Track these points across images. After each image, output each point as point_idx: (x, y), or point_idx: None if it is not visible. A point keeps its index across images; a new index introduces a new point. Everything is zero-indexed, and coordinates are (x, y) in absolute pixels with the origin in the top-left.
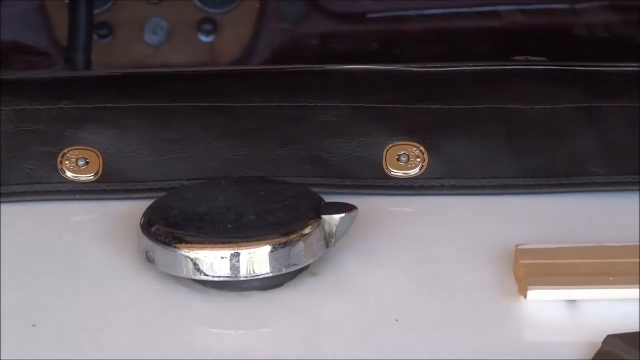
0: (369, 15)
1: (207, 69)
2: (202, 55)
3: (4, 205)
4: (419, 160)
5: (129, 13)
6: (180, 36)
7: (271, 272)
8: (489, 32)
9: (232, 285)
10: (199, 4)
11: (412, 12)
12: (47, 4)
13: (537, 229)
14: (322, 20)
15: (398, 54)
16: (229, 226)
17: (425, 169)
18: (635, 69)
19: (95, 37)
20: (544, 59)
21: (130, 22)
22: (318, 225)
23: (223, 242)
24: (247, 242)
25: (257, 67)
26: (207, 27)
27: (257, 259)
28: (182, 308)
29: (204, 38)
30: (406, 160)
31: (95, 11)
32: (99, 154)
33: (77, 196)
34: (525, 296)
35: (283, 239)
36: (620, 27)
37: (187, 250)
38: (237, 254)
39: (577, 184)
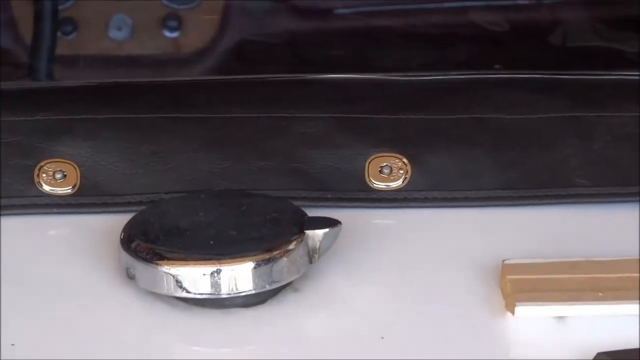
0: (337, 12)
1: (186, 79)
2: (167, 52)
3: None
4: (402, 172)
5: (94, 9)
6: (145, 32)
7: (254, 289)
8: (462, 29)
9: (214, 303)
10: (164, 0)
11: (381, 9)
12: (15, 14)
13: (522, 242)
14: (288, 16)
15: (368, 52)
16: (211, 242)
17: (409, 181)
18: (622, 77)
19: (59, 33)
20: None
21: (95, 19)
22: (302, 241)
23: (205, 259)
24: (230, 258)
25: (237, 77)
26: (172, 23)
27: (239, 276)
28: (163, 326)
29: (169, 34)
30: (389, 172)
31: (60, 7)
32: (76, 167)
33: (55, 210)
34: (513, 312)
35: (266, 256)
36: (604, 33)
37: (168, 267)
38: (220, 271)
39: (562, 196)
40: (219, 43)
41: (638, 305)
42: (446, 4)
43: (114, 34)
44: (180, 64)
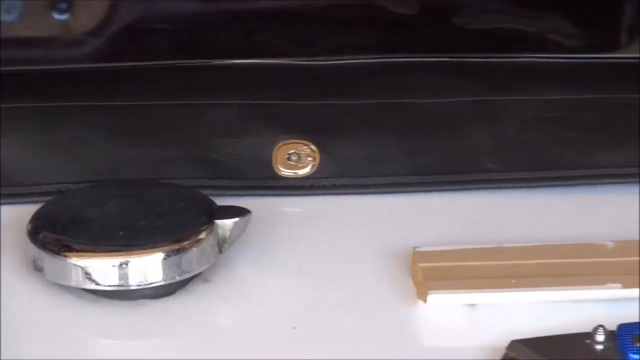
0: None
1: (93, 65)
2: (56, 34)
3: None
4: (310, 159)
5: None
6: (35, 15)
7: (164, 280)
8: (368, 11)
9: (123, 294)
10: None
11: None
12: None
13: (433, 229)
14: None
15: (271, 36)
16: (120, 233)
17: (317, 168)
18: (533, 59)
19: None
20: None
21: None
22: (211, 231)
23: (114, 250)
24: (139, 249)
25: (144, 64)
26: (62, 5)
27: (149, 267)
28: (72, 319)
29: (58, 16)
30: (297, 159)
31: None
32: None
33: None
34: (425, 301)
35: (176, 246)
36: (516, 15)
37: (76, 259)
38: (129, 263)
39: (473, 181)
40: (109, 26)
41: (551, 292)
42: None
43: (3, 16)
44: (70, 46)
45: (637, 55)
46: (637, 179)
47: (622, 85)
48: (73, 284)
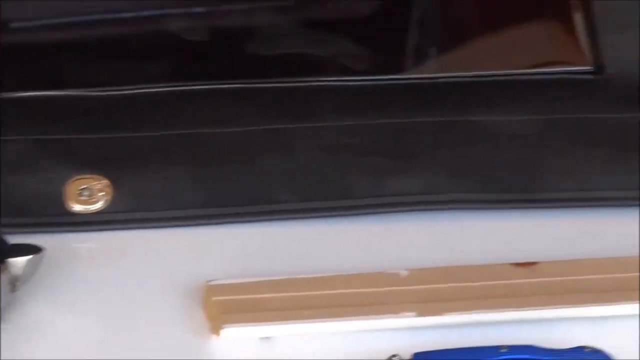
0: (15, 25)
1: None
2: None
3: None
4: (102, 194)
5: None
6: None
7: None
8: (157, 39)
9: None
10: None
11: (68, 20)
12: None
13: (227, 262)
14: None
15: (58, 67)
16: None
17: (110, 203)
18: (322, 83)
19: None
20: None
21: None
22: (3, 270)
23: None
24: None
25: None
26: None
27: None
28: None
29: None
30: (89, 194)
31: None
32: None
33: None
34: (218, 335)
35: None
36: (298, 41)
37: None
38: None
39: (266, 212)
40: None
41: (346, 322)
42: (142, 13)
43: None
44: None
45: (423, 75)
46: (430, 206)
47: (413, 109)
48: None
